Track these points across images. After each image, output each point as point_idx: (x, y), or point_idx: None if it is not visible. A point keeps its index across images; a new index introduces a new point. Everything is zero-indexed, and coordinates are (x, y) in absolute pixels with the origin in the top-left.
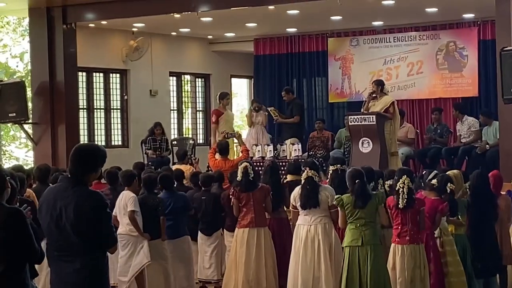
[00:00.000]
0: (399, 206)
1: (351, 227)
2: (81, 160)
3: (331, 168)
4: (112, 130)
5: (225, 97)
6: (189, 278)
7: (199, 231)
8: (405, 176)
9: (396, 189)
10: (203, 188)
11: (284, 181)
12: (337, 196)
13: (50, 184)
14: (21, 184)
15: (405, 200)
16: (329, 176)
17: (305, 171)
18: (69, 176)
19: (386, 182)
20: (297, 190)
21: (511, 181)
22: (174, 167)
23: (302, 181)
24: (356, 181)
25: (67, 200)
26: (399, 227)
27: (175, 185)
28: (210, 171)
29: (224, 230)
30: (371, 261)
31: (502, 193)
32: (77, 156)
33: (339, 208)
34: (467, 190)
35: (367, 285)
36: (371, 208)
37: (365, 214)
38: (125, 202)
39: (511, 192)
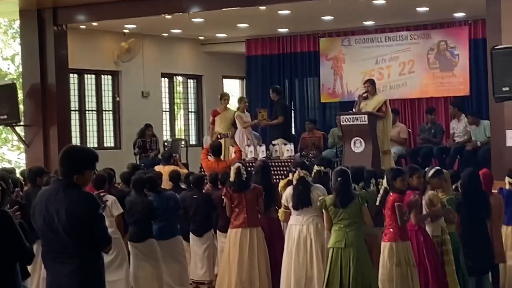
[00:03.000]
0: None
1: (335, 228)
2: (69, 161)
3: (315, 168)
4: (104, 132)
5: (222, 97)
6: (183, 279)
7: (190, 233)
8: (385, 176)
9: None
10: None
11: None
12: (321, 197)
13: (42, 187)
14: (13, 186)
15: (380, 199)
16: (312, 177)
17: (297, 171)
18: (60, 178)
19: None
20: (289, 190)
21: (504, 179)
22: (157, 169)
23: (294, 182)
24: (339, 179)
25: (59, 202)
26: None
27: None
28: (203, 172)
29: (217, 231)
30: (354, 262)
31: (493, 191)
32: (65, 157)
33: (323, 210)
34: (459, 188)
35: (349, 286)
36: (354, 209)
37: (349, 215)
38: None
39: (503, 189)
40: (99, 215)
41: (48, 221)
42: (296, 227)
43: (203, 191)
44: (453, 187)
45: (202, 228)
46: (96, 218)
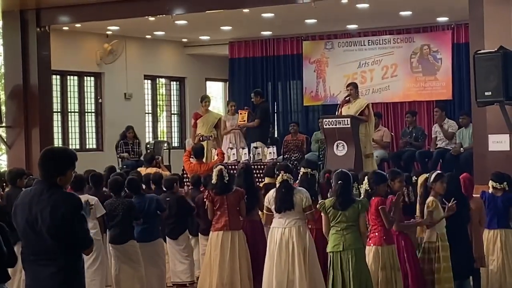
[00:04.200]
0: None
1: (333, 231)
2: (50, 164)
3: (302, 170)
4: (87, 134)
5: (203, 100)
6: (162, 282)
7: (166, 236)
8: (366, 179)
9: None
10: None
11: (261, 184)
12: (321, 201)
13: (23, 188)
14: None
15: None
16: (299, 179)
17: (280, 174)
18: (41, 179)
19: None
20: (271, 193)
21: (488, 183)
22: (139, 170)
23: (277, 184)
24: (339, 182)
25: (42, 203)
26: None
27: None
28: (185, 175)
29: (199, 234)
30: (352, 265)
31: (474, 195)
32: (46, 160)
33: (322, 213)
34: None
35: None
36: (352, 213)
37: (347, 218)
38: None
39: (485, 192)
40: (81, 216)
41: (31, 222)
42: (278, 230)
43: (177, 193)
44: None
45: (176, 230)
46: (79, 219)
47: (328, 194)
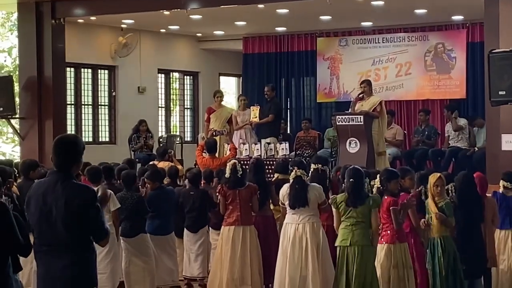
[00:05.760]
0: None
1: (342, 226)
2: (65, 150)
3: (312, 166)
4: (100, 126)
5: (216, 95)
6: (174, 275)
7: (185, 228)
8: (378, 177)
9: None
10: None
11: (272, 180)
12: (333, 196)
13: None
14: (8, 178)
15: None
16: (309, 175)
17: (294, 170)
18: (56, 170)
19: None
20: (285, 188)
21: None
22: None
23: (291, 181)
24: (351, 180)
25: (57, 194)
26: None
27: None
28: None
29: (210, 228)
30: (357, 261)
31: (487, 195)
32: (61, 147)
33: (333, 208)
34: (451, 192)
35: (352, 285)
36: (364, 209)
37: (357, 214)
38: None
39: (497, 192)
40: (97, 207)
41: (45, 213)
42: (292, 226)
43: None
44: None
45: (197, 224)
46: (94, 211)
47: (339, 190)
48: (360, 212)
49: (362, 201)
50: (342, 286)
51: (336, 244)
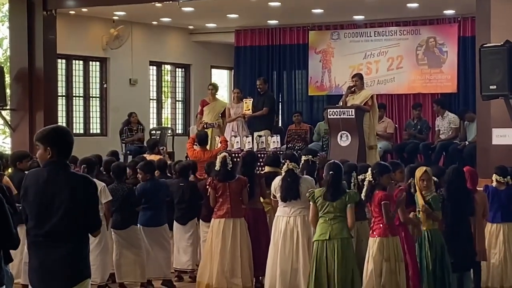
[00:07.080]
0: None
1: (321, 221)
2: (65, 140)
3: (303, 158)
4: (91, 118)
5: (209, 87)
6: (166, 267)
7: (174, 221)
8: (369, 170)
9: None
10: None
11: (262, 173)
12: (310, 189)
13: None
14: None
15: (364, 193)
16: (300, 166)
17: (286, 163)
18: (53, 160)
19: (358, 176)
20: (277, 181)
21: (492, 177)
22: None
23: (283, 174)
24: (330, 173)
25: (59, 184)
26: (371, 221)
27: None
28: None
29: (200, 220)
30: (338, 255)
31: (478, 189)
32: (61, 137)
33: (310, 202)
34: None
35: (335, 279)
36: (341, 204)
37: (334, 209)
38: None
39: (488, 186)
40: (97, 199)
41: (46, 203)
42: (283, 218)
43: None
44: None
45: (186, 216)
46: (95, 201)
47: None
48: (337, 206)
49: (340, 195)
50: (323, 281)
51: (314, 239)
